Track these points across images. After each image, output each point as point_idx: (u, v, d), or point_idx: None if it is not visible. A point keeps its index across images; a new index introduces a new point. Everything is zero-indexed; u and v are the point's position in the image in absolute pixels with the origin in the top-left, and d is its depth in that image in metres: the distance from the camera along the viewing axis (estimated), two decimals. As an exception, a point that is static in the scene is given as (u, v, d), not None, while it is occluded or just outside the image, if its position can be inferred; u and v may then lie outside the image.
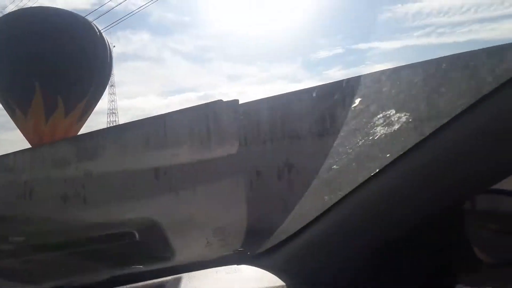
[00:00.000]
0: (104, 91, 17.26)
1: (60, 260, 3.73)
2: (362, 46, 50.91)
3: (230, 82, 59.45)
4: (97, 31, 16.36)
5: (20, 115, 15.48)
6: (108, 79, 17.38)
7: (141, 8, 33.34)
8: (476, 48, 4.26)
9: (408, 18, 47.62)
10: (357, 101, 4.73)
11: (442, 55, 5.23)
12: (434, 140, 0.90)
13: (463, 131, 0.86)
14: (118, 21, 28.35)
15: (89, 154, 9.72)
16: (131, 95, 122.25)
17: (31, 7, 16.58)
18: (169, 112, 8.36)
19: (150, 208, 6.95)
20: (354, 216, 1.03)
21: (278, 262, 1.20)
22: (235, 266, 1.30)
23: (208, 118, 7.32)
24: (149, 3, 29.07)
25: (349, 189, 1.03)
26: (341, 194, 1.05)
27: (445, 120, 0.88)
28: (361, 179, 1.00)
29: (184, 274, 1.28)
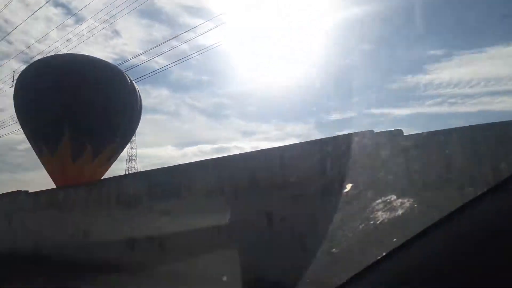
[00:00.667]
0: (131, 137, 17.62)
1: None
2: (375, 111, 51.06)
3: (244, 137, 60.77)
4: (128, 79, 17.04)
5: (48, 155, 15.96)
6: (137, 126, 17.77)
7: (165, 68, 35.06)
8: (487, 119, 3.84)
9: (419, 87, 48.00)
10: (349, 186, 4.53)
11: (455, 123, 4.85)
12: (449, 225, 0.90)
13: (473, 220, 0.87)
14: (141, 78, 29.73)
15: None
16: (149, 145, 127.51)
17: (61, 54, 17.48)
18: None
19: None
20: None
21: None
22: None
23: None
24: (172, 65, 30.46)
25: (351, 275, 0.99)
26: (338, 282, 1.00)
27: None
28: (364, 265, 0.97)
29: None
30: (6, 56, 59.50)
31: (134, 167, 59.11)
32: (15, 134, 57.57)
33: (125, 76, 16.91)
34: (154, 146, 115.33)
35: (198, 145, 62.43)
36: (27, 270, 9.10)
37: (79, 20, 45.72)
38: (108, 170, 17.80)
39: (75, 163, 15.68)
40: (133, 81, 17.24)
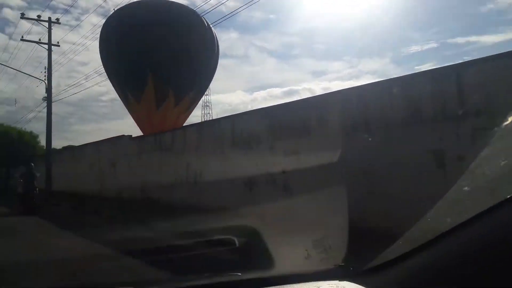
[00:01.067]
0: (210, 83, 17.49)
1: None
2: (460, 40, 44.85)
3: (315, 78, 57.89)
4: (205, 23, 16.54)
5: (134, 103, 16.34)
6: (214, 71, 17.54)
7: (236, 12, 33.60)
8: None
9: None
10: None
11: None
12: None
13: None
14: (216, 23, 28.79)
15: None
16: (220, 91, 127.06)
17: (142, 1, 17.17)
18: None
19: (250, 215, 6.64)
20: (481, 244, 0.87)
21: (386, 283, 1.08)
22: (337, 282, 1.24)
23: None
24: (243, 7, 29.13)
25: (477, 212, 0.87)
26: (467, 216, 0.90)
27: None
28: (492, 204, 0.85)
29: (284, 286, 1.25)
30: (86, 11, 61.06)
31: (209, 113, 59.15)
32: (99, 86, 60.46)
33: (203, 20, 16.44)
34: (225, 92, 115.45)
35: (268, 89, 61.22)
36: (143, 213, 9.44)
37: None
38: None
39: (159, 110, 15.96)
40: (210, 25, 16.73)
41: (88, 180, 15.91)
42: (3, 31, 57.53)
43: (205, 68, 16.62)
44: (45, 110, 18.83)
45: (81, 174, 16.79)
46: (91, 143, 17.40)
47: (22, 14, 14.87)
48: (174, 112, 16.25)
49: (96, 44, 17.91)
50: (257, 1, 12.95)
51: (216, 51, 17.17)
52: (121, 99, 17.13)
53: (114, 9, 17.78)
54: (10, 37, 57.66)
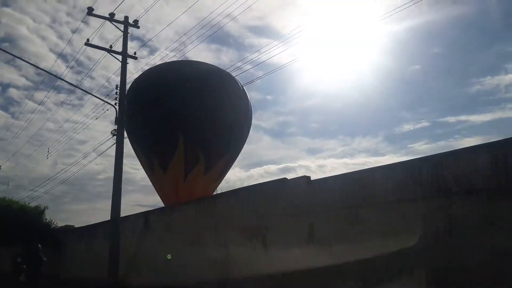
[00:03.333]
0: (241, 149, 15.68)
1: None
2: (450, 119, 45.71)
3: (310, 156, 57.68)
4: (239, 84, 15.37)
5: (159, 171, 14.38)
6: (247, 136, 15.86)
7: None
8: None
9: (500, 89, 42.16)
10: None
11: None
12: None
13: None
14: None
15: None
16: None
17: (171, 61, 16.22)
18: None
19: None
20: None
21: None
22: None
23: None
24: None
25: None
26: None
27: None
28: None
29: None
30: (89, 91, 62.59)
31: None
32: (95, 164, 59.52)
33: (236, 80, 15.24)
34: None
35: (264, 166, 60.18)
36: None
37: (152, 51, 46.80)
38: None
39: (187, 178, 13.95)
40: (243, 86, 15.50)
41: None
42: (6, 110, 58.05)
43: (238, 132, 15.01)
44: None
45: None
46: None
47: (90, 9, 13.17)
48: (204, 180, 14.21)
49: (95, 122, 16.64)
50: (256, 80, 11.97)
51: (250, 115, 15.72)
52: (145, 169, 15.22)
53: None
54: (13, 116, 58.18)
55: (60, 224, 22.91)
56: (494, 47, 42.57)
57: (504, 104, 45.27)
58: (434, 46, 43.49)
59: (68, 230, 20.21)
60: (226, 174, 15.33)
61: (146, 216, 14.28)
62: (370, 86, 37.02)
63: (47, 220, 21.69)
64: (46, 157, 23.10)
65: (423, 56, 43.99)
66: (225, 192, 12.13)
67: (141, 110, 14.51)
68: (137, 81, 15.56)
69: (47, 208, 22.17)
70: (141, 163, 15.34)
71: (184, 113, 13.73)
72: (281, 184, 8.93)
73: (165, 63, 15.79)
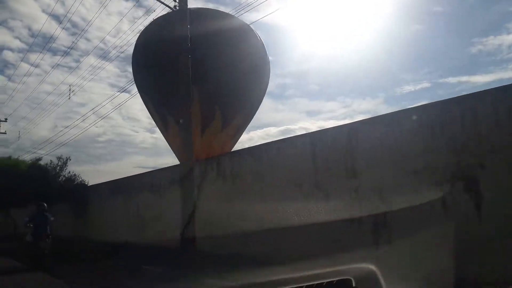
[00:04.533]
0: (259, 106, 14.84)
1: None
2: (451, 80, 44.69)
3: (310, 118, 56.88)
4: (257, 35, 14.32)
5: (174, 128, 13.62)
6: (265, 93, 14.98)
7: None
8: None
9: (502, 50, 40.72)
10: None
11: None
12: None
13: None
14: None
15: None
16: None
17: (182, 10, 14.82)
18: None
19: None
20: None
21: None
22: None
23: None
24: None
25: None
26: None
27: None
28: None
29: None
30: (85, 53, 60.80)
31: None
32: (96, 127, 58.79)
33: (254, 31, 14.16)
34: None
35: (264, 129, 59.67)
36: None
37: (148, 11, 44.69)
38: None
39: (204, 134, 13.22)
40: (261, 38, 14.44)
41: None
42: (2, 73, 56.47)
43: (257, 87, 14.13)
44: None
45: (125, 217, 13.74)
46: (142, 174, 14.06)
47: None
48: (221, 136, 13.51)
49: (92, 85, 15.56)
50: None
51: (268, 68, 14.76)
52: (157, 123, 14.48)
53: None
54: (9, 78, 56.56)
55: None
56: (496, 6, 40.87)
57: (506, 65, 44.21)
58: (436, 5, 41.62)
59: (98, 185, 16.88)
60: (243, 131, 14.64)
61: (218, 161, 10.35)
62: (371, 47, 35.64)
63: (70, 174, 18.32)
64: (68, 98, 21.27)
65: (424, 15, 42.23)
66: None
67: (151, 63, 13.59)
68: (145, 32, 14.50)
69: (70, 159, 18.61)
70: (154, 120, 14.61)
71: (198, 65, 12.77)
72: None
73: (176, 11, 14.52)
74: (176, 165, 12.05)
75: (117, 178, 15.16)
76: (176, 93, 13.17)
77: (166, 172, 12.23)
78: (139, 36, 14.37)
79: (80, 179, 18.25)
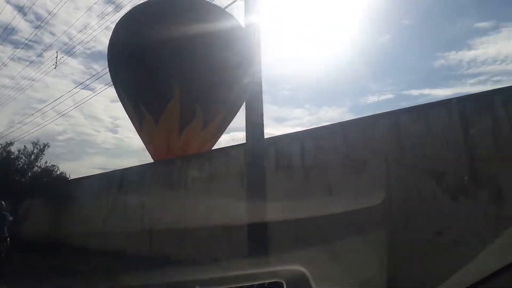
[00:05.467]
0: (243, 101, 14.19)
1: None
2: (414, 92, 47.08)
3: (277, 124, 57.30)
4: (240, 25, 13.55)
5: (150, 122, 12.80)
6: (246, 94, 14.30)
7: None
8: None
9: (462, 65, 43.24)
10: None
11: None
12: None
13: None
14: None
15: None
16: None
17: None
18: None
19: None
20: None
21: None
22: None
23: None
24: None
25: None
26: None
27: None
28: None
29: None
30: (50, 47, 57.41)
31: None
32: (56, 125, 55.73)
33: (237, 21, 13.39)
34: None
35: (231, 133, 59.17)
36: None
37: (117, 7, 42.70)
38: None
39: (182, 132, 12.49)
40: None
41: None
42: None
43: (239, 87, 13.44)
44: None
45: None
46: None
47: None
48: (200, 136, 12.81)
49: (54, 81, 14.34)
50: None
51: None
52: (131, 119, 13.56)
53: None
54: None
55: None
56: (461, 22, 42.41)
57: (465, 80, 46.24)
58: (403, 18, 42.64)
59: (82, 179, 14.20)
60: (224, 130, 13.99)
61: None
62: (339, 56, 35.93)
63: (47, 164, 15.45)
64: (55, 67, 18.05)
65: (392, 27, 43.31)
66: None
67: (128, 56, 12.63)
68: (122, 22, 13.46)
69: (48, 146, 15.51)
70: (127, 113, 13.67)
71: (179, 60, 12.00)
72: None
73: (154, 0, 13.45)
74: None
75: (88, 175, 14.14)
76: (154, 89, 12.37)
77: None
78: (115, 26, 13.36)
79: (59, 171, 15.60)
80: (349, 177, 6.06)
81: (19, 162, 14.91)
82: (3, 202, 9.55)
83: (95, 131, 56.30)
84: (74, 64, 51.73)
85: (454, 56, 44.02)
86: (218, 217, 7.97)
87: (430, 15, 42.57)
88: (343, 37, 37.72)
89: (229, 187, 8.11)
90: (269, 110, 58.68)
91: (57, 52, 14.21)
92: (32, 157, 15.11)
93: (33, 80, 32.90)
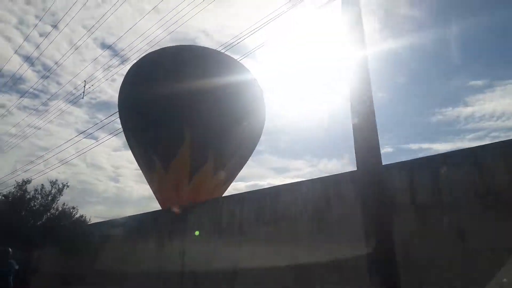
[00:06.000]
0: (256, 144, 14.03)
1: None
2: (413, 146, 48.21)
3: (278, 175, 57.53)
4: (250, 74, 13.79)
5: (160, 169, 12.51)
6: (259, 138, 14.22)
7: None
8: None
9: (460, 121, 44.67)
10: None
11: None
12: None
13: None
14: None
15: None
16: None
17: (170, 47, 13.87)
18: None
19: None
20: None
21: None
22: None
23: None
24: None
25: None
26: None
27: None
28: None
29: None
30: (55, 97, 59.48)
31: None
32: (58, 173, 55.32)
33: (247, 70, 13.66)
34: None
35: (232, 183, 57.61)
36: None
37: (124, 61, 44.80)
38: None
39: (193, 179, 12.14)
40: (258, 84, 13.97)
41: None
42: None
43: (251, 132, 13.38)
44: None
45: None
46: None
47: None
48: (212, 182, 12.44)
49: (58, 129, 14.23)
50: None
51: (263, 115, 14.14)
52: (141, 167, 13.27)
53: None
54: None
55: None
56: (455, 80, 44.07)
57: (463, 135, 46.99)
58: (400, 75, 44.42)
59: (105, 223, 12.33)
60: (237, 175, 13.63)
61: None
62: (340, 110, 36.93)
63: (64, 207, 13.89)
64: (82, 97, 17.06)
65: (389, 84, 45.11)
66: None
67: (139, 103, 12.70)
68: (132, 69, 13.72)
69: (67, 186, 13.99)
70: (137, 161, 13.44)
71: (192, 106, 12.03)
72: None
73: (163, 48, 13.73)
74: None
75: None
76: (165, 135, 12.27)
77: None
78: (126, 74, 13.61)
79: (78, 214, 13.96)
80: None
81: (35, 204, 13.57)
82: (10, 249, 8.96)
83: (97, 180, 55.83)
84: (78, 113, 52.83)
85: (451, 112, 45.03)
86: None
87: (425, 72, 44.23)
88: (343, 92, 38.76)
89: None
90: (269, 161, 58.78)
91: (85, 81, 13.68)
92: (50, 197, 13.77)
93: (37, 128, 33.13)
